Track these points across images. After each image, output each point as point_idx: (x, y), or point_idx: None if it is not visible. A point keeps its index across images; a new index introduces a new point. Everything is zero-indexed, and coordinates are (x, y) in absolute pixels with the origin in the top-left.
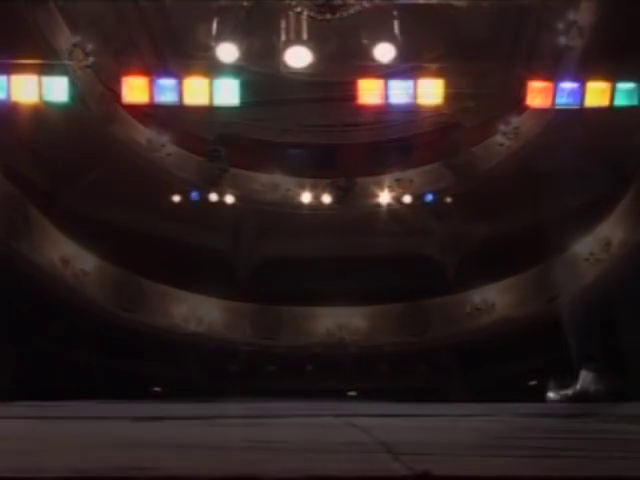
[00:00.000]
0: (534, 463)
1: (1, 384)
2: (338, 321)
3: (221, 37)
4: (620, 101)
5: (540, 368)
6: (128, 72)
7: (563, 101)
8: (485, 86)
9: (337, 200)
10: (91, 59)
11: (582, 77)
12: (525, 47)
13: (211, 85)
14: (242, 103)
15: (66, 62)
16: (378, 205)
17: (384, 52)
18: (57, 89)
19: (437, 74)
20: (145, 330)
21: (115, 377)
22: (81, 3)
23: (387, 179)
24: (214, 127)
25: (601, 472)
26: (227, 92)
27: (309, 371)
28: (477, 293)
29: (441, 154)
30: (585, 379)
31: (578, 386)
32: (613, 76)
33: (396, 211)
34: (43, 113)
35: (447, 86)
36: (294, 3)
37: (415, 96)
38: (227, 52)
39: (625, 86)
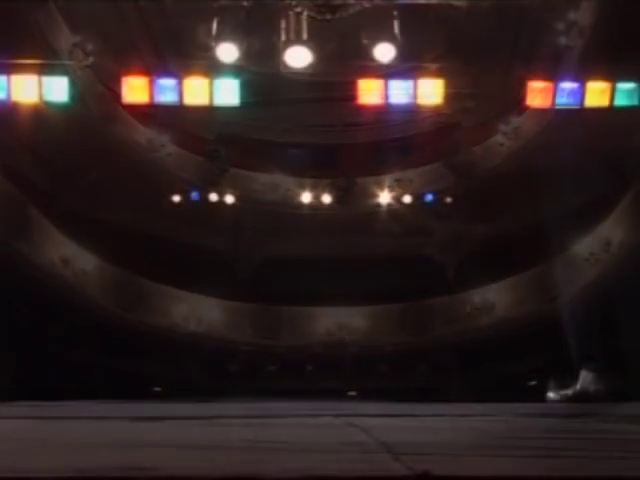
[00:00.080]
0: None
1: (1, 384)
2: (338, 321)
3: (221, 37)
4: (620, 101)
5: (540, 368)
6: (128, 72)
7: (563, 101)
8: (485, 86)
9: (337, 200)
10: (91, 59)
11: (582, 77)
12: (525, 47)
13: (211, 85)
14: (242, 103)
15: (66, 62)
16: (378, 205)
17: (384, 52)
18: (57, 89)
19: (437, 74)
20: (145, 330)
21: (115, 377)
22: (81, 3)
23: (387, 179)
24: (214, 127)
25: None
26: (227, 92)
27: (309, 371)
28: (477, 293)
29: (441, 154)
30: (585, 379)
31: (578, 386)
32: (613, 76)
33: (396, 211)
34: (43, 113)
35: (447, 86)
36: (294, 3)
37: (415, 96)
38: (227, 52)
39: (625, 86)
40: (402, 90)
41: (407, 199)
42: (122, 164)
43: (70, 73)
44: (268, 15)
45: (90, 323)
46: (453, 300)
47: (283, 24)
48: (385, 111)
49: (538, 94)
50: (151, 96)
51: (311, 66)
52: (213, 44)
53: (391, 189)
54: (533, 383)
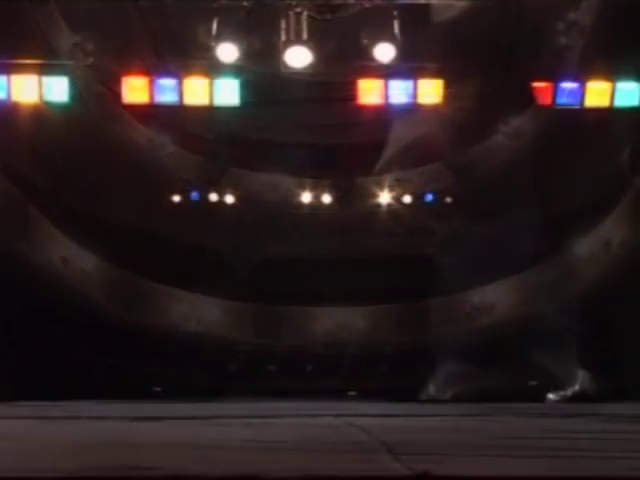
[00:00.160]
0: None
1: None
2: (338, 321)
3: (221, 37)
4: (620, 101)
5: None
6: (128, 72)
7: (563, 101)
8: (485, 86)
9: (337, 200)
10: (91, 59)
11: (582, 77)
12: (525, 47)
13: (211, 85)
14: (242, 103)
15: (66, 62)
16: (378, 205)
17: (384, 52)
18: (57, 89)
19: (437, 74)
20: (145, 330)
21: (115, 377)
22: (81, 3)
23: (387, 179)
24: (214, 127)
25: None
26: (227, 92)
27: (309, 371)
28: (477, 293)
29: (441, 154)
30: (584, 379)
31: (577, 386)
32: (613, 76)
33: (396, 211)
34: (43, 113)
35: (447, 86)
36: (294, 3)
37: (415, 96)
38: (227, 52)
39: (625, 86)
40: (402, 90)
41: (407, 199)
42: (122, 164)
43: (70, 73)
44: (268, 15)
45: (90, 323)
46: (453, 300)
47: (283, 24)
48: (385, 111)
49: (538, 94)
50: (151, 96)
51: (311, 66)
52: (213, 44)
53: (391, 189)
54: (533, 383)
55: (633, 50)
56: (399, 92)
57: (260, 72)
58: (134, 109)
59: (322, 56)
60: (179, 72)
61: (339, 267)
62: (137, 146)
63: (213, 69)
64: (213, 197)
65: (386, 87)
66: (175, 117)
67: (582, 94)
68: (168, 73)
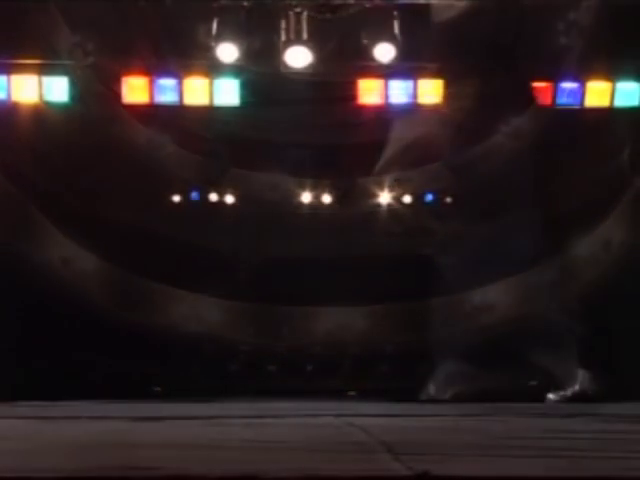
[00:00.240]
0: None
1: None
2: (338, 321)
3: (221, 37)
4: (620, 101)
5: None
6: (128, 72)
7: (563, 101)
8: (485, 86)
9: (337, 200)
10: (91, 59)
11: (582, 77)
12: (525, 47)
13: (211, 85)
14: (242, 103)
15: (66, 62)
16: (378, 205)
17: (384, 52)
18: (57, 89)
19: (437, 74)
20: (145, 330)
21: (115, 377)
22: (81, 3)
23: (387, 179)
24: (214, 126)
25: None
26: (227, 92)
27: (309, 371)
28: (477, 293)
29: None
30: (584, 379)
31: (577, 386)
32: (613, 76)
33: (396, 211)
34: (43, 113)
35: (447, 86)
36: (294, 3)
37: (415, 96)
38: (227, 52)
39: (625, 86)
40: (402, 90)
41: (407, 199)
42: (122, 164)
43: (70, 73)
44: (268, 15)
45: (90, 323)
46: (453, 300)
47: (283, 24)
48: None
49: (538, 94)
50: (151, 96)
51: (311, 66)
52: (213, 44)
53: (391, 189)
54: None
55: (633, 50)
56: (399, 92)
57: (260, 72)
58: (134, 109)
59: (322, 56)
60: (179, 72)
61: (339, 267)
62: (137, 146)
63: (213, 69)
64: (213, 197)
65: (386, 87)
66: (175, 117)
67: (582, 94)
68: (168, 73)
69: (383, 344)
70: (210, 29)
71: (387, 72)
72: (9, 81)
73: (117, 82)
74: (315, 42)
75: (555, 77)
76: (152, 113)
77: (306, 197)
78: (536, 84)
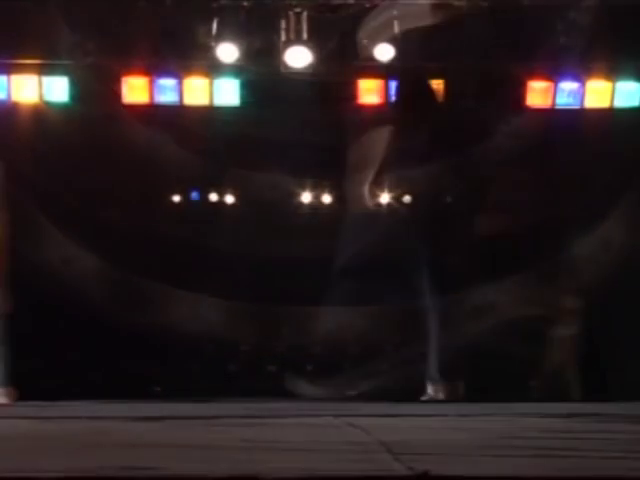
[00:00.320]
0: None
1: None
2: (338, 321)
3: (221, 37)
4: (620, 101)
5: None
6: (128, 72)
7: (563, 101)
8: (485, 86)
9: (337, 200)
10: (91, 59)
11: (582, 77)
12: (525, 47)
13: (211, 85)
14: (242, 103)
15: (66, 62)
16: (378, 205)
17: (384, 52)
18: (57, 89)
19: (438, 74)
20: (145, 330)
21: (115, 377)
22: (81, 3)
23: (387, 179)
24: (214, 126)
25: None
26: (227, 92)
27: (309, 371)
28: (477, 293)
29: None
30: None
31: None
32: (613, 76)
33: (396, 211)
34: (43, 113)
35: (448, 86)
36: (294, 3)
37: None
38: (227, 52)
39: (625, 86)
40: None
41: (407, 199)
42: (122, 163)
43: (70, 73)
44: (268, 15)
45: (90, 323)
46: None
47: (283, 24)
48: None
49: (538, 94)
50: (151, 96)
51: (311, 66)
52: (213, 44)
53: (391, 189)
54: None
55: (633, 50)
56: None
57: (260, 72)
58: (134, 109)
59: (322, 56)
60: (179, 72)
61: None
62: (137, 146)
63: (213, 69)
64: (213, 197)
65: (386, 87)
66: (175, 117)
67: (582, 94)
68: (168, 73)
69: (383, 344)
70: (210, 29)
71: (387, 72)
72: (9, 81)
73: (117, 82)
74: (315, 42)
75: (555, 77)
76: (152, 113)
77: (306, 197)
78: (536, 84)
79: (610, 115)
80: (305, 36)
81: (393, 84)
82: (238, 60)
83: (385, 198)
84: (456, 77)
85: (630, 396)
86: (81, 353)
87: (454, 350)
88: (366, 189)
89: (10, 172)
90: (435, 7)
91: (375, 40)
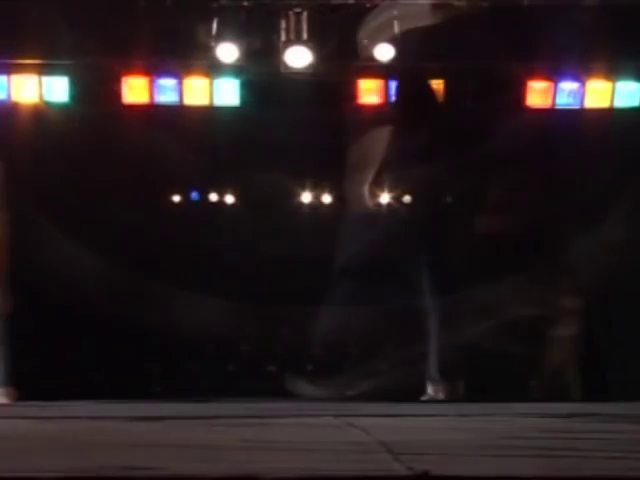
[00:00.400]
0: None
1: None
2: (338, 321)
3: (221, 37)
4: (620, 101)
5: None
6: (128, 72)
7: (563, 101)
8: (485, 86)
9: (337, 200)
10: (91, 59)
11: (582, 77)
12: (525, 47)
13: (211, 85)
14: (242, 103)
15: (66, 62)
16: (378, 205)
17: (384, 52)
18: (57, 89)
19: (438, 74)
20: (145, 330)
21: (115, 377)
22: (81, 3)
23: (387, 179)
24: (214, 127)
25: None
26: (227, 92)
27: (309, 371)
28: (477, 293)
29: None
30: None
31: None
32: (613, 76)
33: (396, 211)
34: (43, 113)
35: (448, 86)
36: (294, 3)
37: None
38: (227, 52)
39: (625, 86)
40: None
41: (407, 199)
42: (122, 163)
43: (70, 73)
44: (268, 15)
45: (90, 323)
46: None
47: (283, 24)
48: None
49: (538, 94)
50: (151, 96)
51: (311, 66)
52: (213, 44)
53: (391, 189)
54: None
55: (633, 50)
56: None
57: (260, 72)
58: (134, 109)
59: (322, 56)
60: (179, 72)
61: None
62: (137, 146)
63: (213, 69)
64: (213, 197)
65: (386, 87)
66: (175, 117)
67: (582, 94)
68: (168, 73)
69: (383, 344)
70: (210, 29)
71: (387, 72)
72: (9, 81)
73: (117, 82)
74: (315, 42)
75: (555, 77)
76: (152, 113)
77: (306, 197)
78: (536, 84)
79: (610, 115)
80: (305, 36)
81: (393, 84)
82: (238, 60)
83: (385, 198)
84: (456, 77)
85: (630, 396)
86: (81, 353)
87: (454, 350)
88: (366, 189)
89: (10, 172)
90: (435, 7)
91: (375, 40)
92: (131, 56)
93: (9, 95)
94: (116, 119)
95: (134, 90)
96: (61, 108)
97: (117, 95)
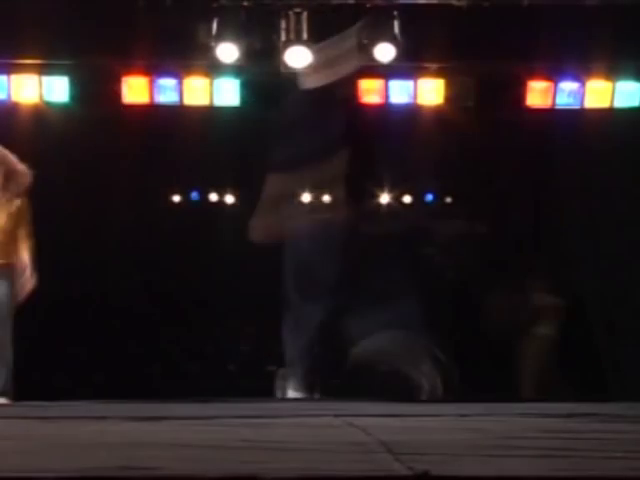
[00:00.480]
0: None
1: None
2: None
3: (221, 37)
4: (620, 101)
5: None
6: (128, 72)
7: (563, 101)
8: (485, 86)
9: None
10: (91, 59)
11: (582, 77)
12: (525, 47)
13: (211, 85)
14: (242, 103)
15: (66, 62)
16: (378, 205)
17: (384, 52)
18: (57, 89)
19: (438, 74)
20: (145, 330)
21: (116, 377)
22: (81, 3)
23: (387, 179)
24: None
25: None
26: (227, 92)
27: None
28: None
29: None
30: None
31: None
32: (613, 76)
33: (396, 211)
34: (43, 113)
35: (447, 86)
36: (294, 3)
37: (415, 96)
38: (227, 52)
39: (625, 86)
40: (402, 90)
41: (407, 199)
42: (122, 163)
43: (70, 73)
44: (268, 15)
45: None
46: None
47: (283, 24)
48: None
49: (538, 94)
50: (151, 96)
51: (311, 66)
52: (213, 44)
53: (391, 189)
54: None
55: (633, 50)
56: (399, 92)
57: (260, 72)
58: (134, 109)
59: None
60: (179, 72)
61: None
62: (137, 146)
63: (213, 69)
64: (213, 197)
65: (386, 87)
66: (175, 117)
67: (582, 94)
68: (168, 73)
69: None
70: (210, 29)
71: (387, 72)
72: (9, 81)
73: (117, 82)
74: (315, 42)
75: (555, 77)
76: (152, 113)
77: (306, 197)
78: (536, 84)
79: (610, 115)
80: (305, 36)
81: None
82: (238, 60)
83: (385, 198)
84: (456, 77)
85: (630, 396)
86: (82, 353)
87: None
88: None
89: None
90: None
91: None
92: (131, 56)
93: (9, 95)
94: (116, 119)
95: (134, 90)
96: (61, 108)
97: (117, 95)
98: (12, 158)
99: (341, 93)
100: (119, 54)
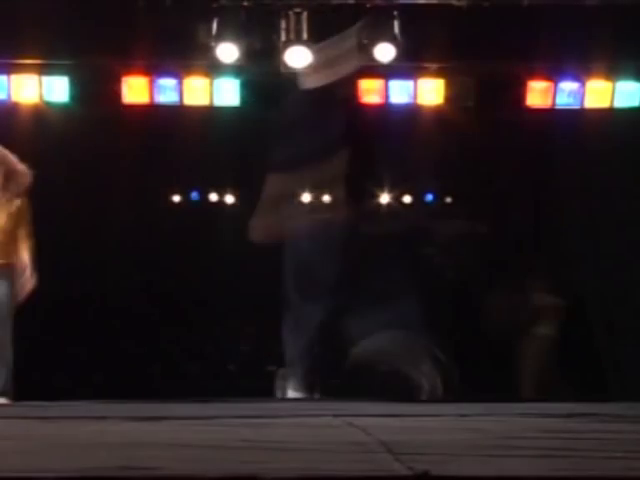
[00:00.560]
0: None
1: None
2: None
3: (221, 37)
4: (620, 101)
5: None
6: (128, 72)
7: (563, 101)
8: (485, 86)
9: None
10: (91, 59)
11: (582, 77)
12: (525, 47)
13: (211, 85)
14: (242, 103)
15: (66, 62)
16: (378, 205)
17: (384, 52)
18: (57, 89)
19: (438, 74)
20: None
21: (116, 377)
22: (81, 3)
23: (387, 179)
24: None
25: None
26: (227, 92)
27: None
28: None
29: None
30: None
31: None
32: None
33: (396, 211)
34: (43, 113)
35: (448, 86)
36: (294, 3)
37: (415, 96)
38: (227, 52)
39: (625, 86)
40: (402, 90)
41: (407, 199)
42: (122, 164)
43: (70, 73)
44: (268, 15)
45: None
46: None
47: (283, 24)
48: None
49: (538, 94)
50: (151, 96)
51: (311, 66)
52: (213, 44)
53: (391, 189)
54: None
55: (633, 50)
56: (399, 92)
57: (260, 72)
58: (134, 109)
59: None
60: (179, 72)
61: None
62: (137, 146)
63: (213, 69)
64: (213, 197)
65: (386, 87)
66: (175, 117)
67: (582, 94)
68: (168, 73)
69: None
70: (210, 29)
71: (387, 72)
72: (9, 81)
73: (117, 82)
74: (315, 42)
75: (555, 77)
76: (152, 113)
77: (306, 197)
78: (536, 84)
79: (610, 115)
80: (305, 36)
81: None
82: (238, 60)
83: (385, 198)
84: (456, 77)
85: (630, 396)
86: (82, 353)
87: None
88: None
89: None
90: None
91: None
92: (131, 56)
93: (9, 95)
94: (116, 119)
95: (134, 90)
96: (61, 108)
97: (117, 95)
98: (12, 158)
99: (341, 93)
100: (119, 54)
